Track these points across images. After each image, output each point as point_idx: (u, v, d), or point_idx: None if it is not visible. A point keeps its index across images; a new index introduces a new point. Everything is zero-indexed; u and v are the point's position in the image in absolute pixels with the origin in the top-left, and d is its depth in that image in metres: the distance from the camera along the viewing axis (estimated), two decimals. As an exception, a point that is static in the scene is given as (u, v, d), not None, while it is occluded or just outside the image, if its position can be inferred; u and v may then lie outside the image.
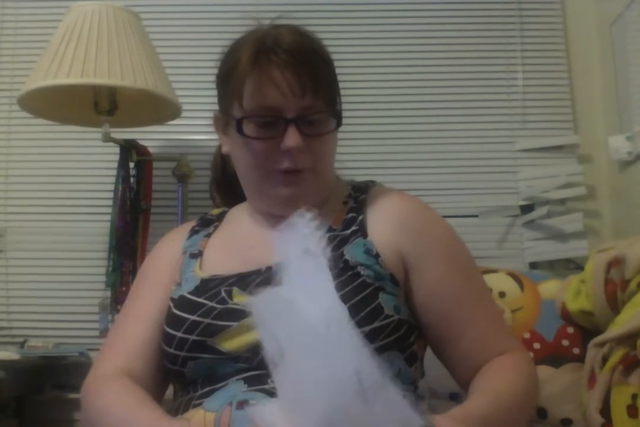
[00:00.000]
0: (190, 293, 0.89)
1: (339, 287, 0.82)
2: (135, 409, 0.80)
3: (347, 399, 0.57)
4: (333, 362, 0.58)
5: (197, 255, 0.97)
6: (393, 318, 0.83)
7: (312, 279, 0.60)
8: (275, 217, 0.96)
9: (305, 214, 0.62)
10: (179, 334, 0.85)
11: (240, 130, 0.90)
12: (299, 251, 0.61)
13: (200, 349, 0.83)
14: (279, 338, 0.60)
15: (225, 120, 0.96)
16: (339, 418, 0.57)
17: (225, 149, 0.99)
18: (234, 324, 0.81)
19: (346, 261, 0.86)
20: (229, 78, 0.93)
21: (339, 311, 0.61)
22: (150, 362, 0.89)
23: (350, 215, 0.94)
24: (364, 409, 0.58)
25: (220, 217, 1.05)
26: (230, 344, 0.81)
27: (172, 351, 0.86)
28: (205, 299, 0.87)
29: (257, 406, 0.64)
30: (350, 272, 0.84)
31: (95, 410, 0.83)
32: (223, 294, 0.86)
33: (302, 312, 0.59)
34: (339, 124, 0.93)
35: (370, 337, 0.80)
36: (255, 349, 0.78)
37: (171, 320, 0.88)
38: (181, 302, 0.89)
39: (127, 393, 0.83)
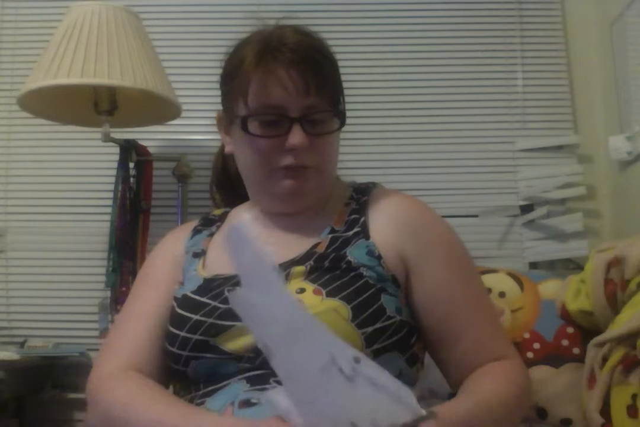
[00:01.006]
0: (194, 292, 0.89)
1: (342, 287, 0.83)
2: (158, 401, 0.79)
3: (331, 384, 0.59)
4: (307, 354, 0.60)
5: (200, 254, 0.97)
6: (395, 319, 0.83)
7: (264, 280, 0.62)
8: (277, 216, 0.96)
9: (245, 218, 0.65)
10: (182, 334, 0.85)
11: (245, 128, 0.90)
12: (248, 256, 0.62)
13: (204, 349, 0.83)
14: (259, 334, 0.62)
15: (228, 119, 0.97)
16: (328, 403, 0.59)
17: (228, 149, 0.99)
18: (237, 324, 0.81)
19: (349, 262, 0.86)
20: (233, 76, 0.93)
21: (298, 306, 0.62)
22: (153, 360, 0.89)
23: (353, 216, 0.94)
24: (350, 390, 0.59)
25: (222, 217, 1.06)
26: (234, 344, 0.82)
27: (175, 350, 0.86)
28: (208, 298, 0.87)
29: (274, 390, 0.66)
30: (353, 273, 0.85)
31: (108, 405, 0.82)
32: (226, 293, 0.86)
33: (264, 311, 0.61)
34: (342, 123, 0.94)
35: (372, 338, 0.81)
36: (257, 349, 0.78)
37: (175, 319, 0.89)
38: (184, 302, 0.89)
39: (146, 385, 0.83)
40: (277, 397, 0.63)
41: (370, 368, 0.60)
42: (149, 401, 0.79)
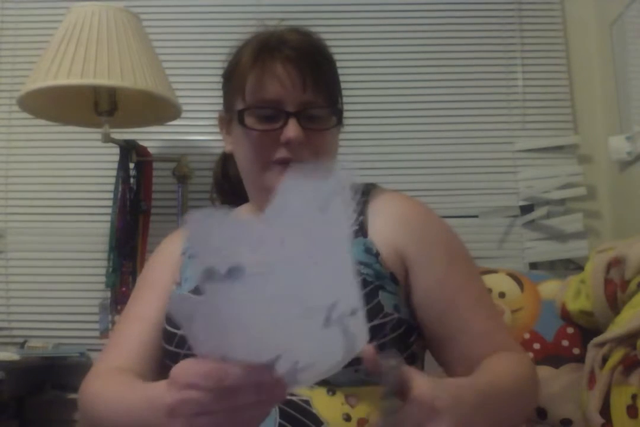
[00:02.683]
0: (191, 292, 0.89)
1: None
2: (122, 388, 0.81)
3: (305, 323, 0.52)
4: (306, 286, 0.50)
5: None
6: (393, 316, 0.83)
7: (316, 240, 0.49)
8: None
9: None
10: (180, 332, 0.85)
11: (242, 121, 0.91)
12: (312, 205, 0.49)
13: None
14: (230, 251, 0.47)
15: (228, 117, 0.97)
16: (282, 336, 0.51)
17: (228, 148, 1.00)
18: None
19: None
20: (232, 75, 0.95)
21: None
22: (149, 362, 0.90)
23: None
24: (317, 332, 0.53)
25: None
26: None
27: (172, 348, 0.86)
28: None
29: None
30: None
31: (83, 402, 0.86)
32: None
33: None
34: (339, 121, 0.94)
35: (369, 334, 0.80)
36: None
37: (171, 318, 0.89)
38: None
39: (114, 379, 0.85)
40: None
41: (355, 323, 0.56)
42: (111, 393, 0.81)
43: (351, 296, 0.55)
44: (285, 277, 0.49)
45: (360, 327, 0.58)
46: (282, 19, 0.97)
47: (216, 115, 1.01)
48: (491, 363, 0.82)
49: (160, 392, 0.66)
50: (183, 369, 0.57)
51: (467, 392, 0.68)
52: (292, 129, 0.89)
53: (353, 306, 0.55)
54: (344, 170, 0.51)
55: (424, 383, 0.60)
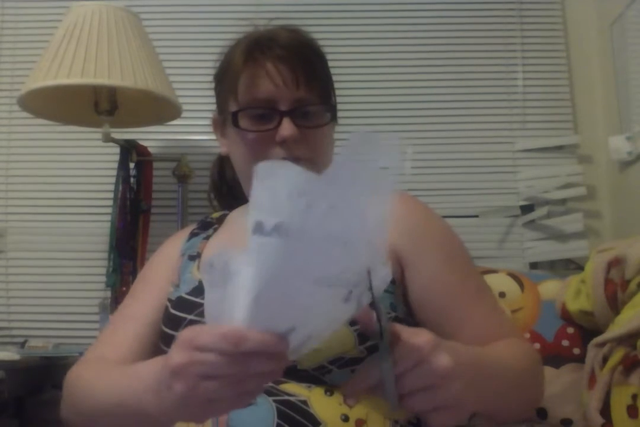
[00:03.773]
0: (188, 294, 0.89)
1: None
2: (106, 370, 0.82)
3: (325, 297, 0.51)
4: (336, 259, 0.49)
5: (195, 257, 0.97)
6: (390, 315, 0.83)
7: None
8: None
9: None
10: (177, 334, 0.85)
11: (235, 123, 0.91)
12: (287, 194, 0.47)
13: None
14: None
15: (222, 119, 0.97)
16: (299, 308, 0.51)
17: (224, 150, 0.99)
18: None
19: None
20: (223, 76, 0.95)
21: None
22: (139, 356, 0.90)
23: None
24: (337, 307, 0.54)
25: (220, 220, 1.06)
26: None
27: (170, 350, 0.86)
28: (202, 299, 0.86)
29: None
30: None
31: (67, 385, 0.87)
32: None
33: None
34: (333, 117, 0.95)
35: (365, 334, 0.80)
36: None
37: (168, 320, 0.89)
38: (179, 303, 0.89)
39: (99, 364, 0.86)
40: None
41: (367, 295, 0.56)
42: (93, 373, 0.83)
43: (375, 274, 0.56)
44: (316, 250, 0.48)
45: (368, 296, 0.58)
46: (272, 19, 0.97)
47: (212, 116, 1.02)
48: (492, 344, 0.83)
49: (153, 365, 0.66)
50: (195, 331, 0.56)
51: (462, 352, 0.68)
52: (286, 128, 0.89)
53: (374, 283, 0.56)
54: (396, 147, 0.52)
55: (417, 330, 0.62)
